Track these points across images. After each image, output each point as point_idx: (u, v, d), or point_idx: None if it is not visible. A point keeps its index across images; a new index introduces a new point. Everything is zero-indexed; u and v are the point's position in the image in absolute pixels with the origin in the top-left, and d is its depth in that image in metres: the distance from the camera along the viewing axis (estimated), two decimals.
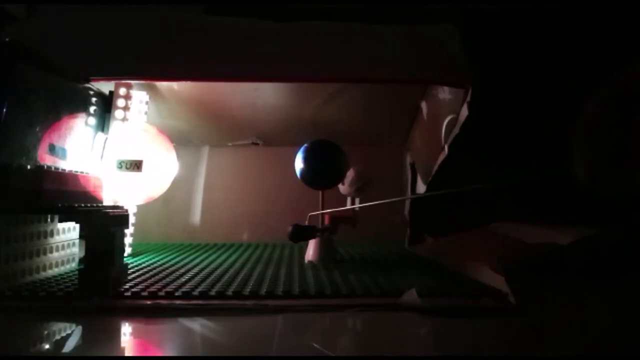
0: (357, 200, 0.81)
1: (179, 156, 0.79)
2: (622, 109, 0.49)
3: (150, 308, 0.46)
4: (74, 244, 0.64)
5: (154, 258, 0.75)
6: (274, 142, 1.04)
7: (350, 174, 0.78)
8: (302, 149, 0.74)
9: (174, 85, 0.81)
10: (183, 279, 0.56)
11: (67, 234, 0.62)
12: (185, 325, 0.43)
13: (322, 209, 0.77)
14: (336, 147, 0.74)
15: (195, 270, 0.63)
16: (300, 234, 0.72)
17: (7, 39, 0.58)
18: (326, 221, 0.76)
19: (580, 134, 0.53)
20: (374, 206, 0.74)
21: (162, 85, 0.80)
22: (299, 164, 0.74)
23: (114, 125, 0.73)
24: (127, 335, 0.42)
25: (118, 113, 0.73)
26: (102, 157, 0.70)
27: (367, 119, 0.95)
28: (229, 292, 0.50)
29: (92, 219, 0.52)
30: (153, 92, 0.81)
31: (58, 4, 0.69)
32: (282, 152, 1.03)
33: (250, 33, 0.68)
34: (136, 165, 0.70)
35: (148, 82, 0.77)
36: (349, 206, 0.80)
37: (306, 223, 0.75)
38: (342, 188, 0.80)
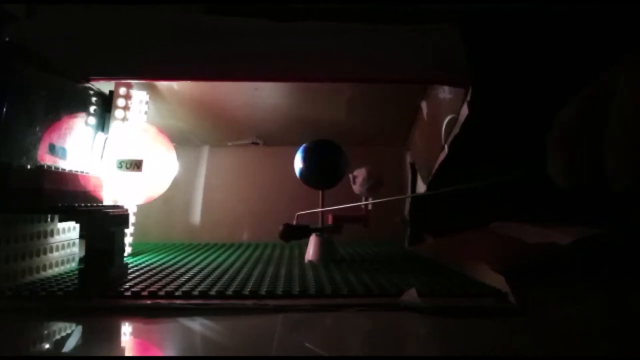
0: (367, 199, 0.80)
1: (179, 156, 0.79)
2: (595, 112, 0.50)
3: (150, 308, 0.46)
4: (74, 244, 0.64)
5: (154, 258, 0.75)
6: (274, 142, 1.04)
7: (361, 173, 0.77)
8: (301, 148, 0.74)
9: (174, 85, 0.81)
10: (183, 279, 0.56)
11: (67, 234, 0.62)
12: (185, 325, 0.43)
13: (322, 209, 0.77)
14: (335, 147, 0.74)
15: (195, 270, 0.63)
16: (291, 234, 0.72)
17: (7, 39, 0.58)
18: (329, 221, 0.76)
19: (556, 138, 0.54)
20: (373, 206, 0.74)
21: (162, 85, 0.80)
22: (298, 163, 0.74)
23: (114, 125, 0.73)
24: (127, 335, 0.42)
25: (118, 113, 0.73)
26: (102, 157, 0.70)
27: (367, 119, 0.95)
28: (229, 292, 0.50)
29: (92, 219, 0.52)
30: (153, 92, 0.81)
31: (58, 4, 0.69)
32: (282, 152, 1.02)
33: (250, 33, 0.68)
34: (136, 165, 0.70)
35: (148, 82, 0.78)
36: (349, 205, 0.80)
37: (294, 222, 0.75)
38: (355, 187, 0.79)
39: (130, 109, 0.75)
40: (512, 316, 0.45)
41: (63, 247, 0.62)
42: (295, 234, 0.72)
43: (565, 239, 0.55)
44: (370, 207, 0.78)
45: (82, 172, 0.63)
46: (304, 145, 0.75)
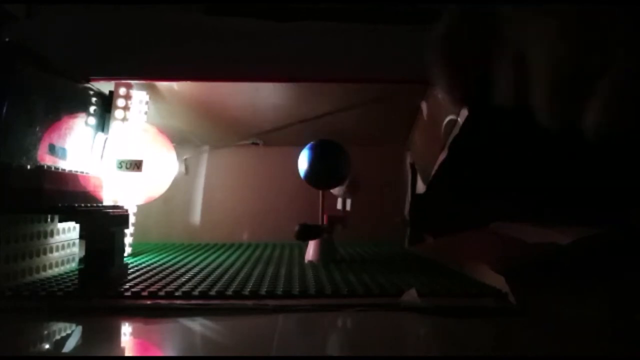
0: (348, 201, 0.81)
1: (179, 156, 0.79)
2: None
3: (150, 308, 0.46)
4: (74, 244, 0.64)
5: (154, 258, 0.75)
6: (274, 142, 1.04)
7: None
8: (307, 146, 0.74)
9: (174, 85, 0.81)
10: (183, 279, 0.56)
11: (67, 234, 0.62)
12: (185, 325, 0.43)
13: (322, 209, 0.77)
14: (341, 148, 0.74)
15: (195, 270, 0.63)
16: (307, 233, 0.72)
17: (7, 39, 0.58)
18: (325, 221, 0.77)
19: None
20: (373, 206, 0.74)
21: (162, 85, 0.80)
22: (303, 163, 0.74)
23: (114, 125, 0.73)
24: (127, 335, 0.42)
25: (118, 113, 0.73)
26: (102, 157, 0.70)
27: (367, 119, 0.95)
28: (229, 292, 0.50)
29: (92, 219, 0.52)
30: (153, 92, 0.81)
31: (58, 4, 0.69)
32: (282, 152, 1.03)
33: (251, 33, 0.68)
34: (136, 165, 0.70)
35: (148, 82, 0.78)
36: (339, 207, 0.81)
37: (322, 223, 0.76)
38: (333, 189, 0.80)
39: (130, 109, 0.75)
40: (512, 316, 0.45)
41: (63, 247, 0.62)
42: (311, 233, 0.73)
43: (565, 239, 0.55)
44: (348, 208, 0.80)
45: (82, 172, 0.63)
46: (310, 143, 0.74)
